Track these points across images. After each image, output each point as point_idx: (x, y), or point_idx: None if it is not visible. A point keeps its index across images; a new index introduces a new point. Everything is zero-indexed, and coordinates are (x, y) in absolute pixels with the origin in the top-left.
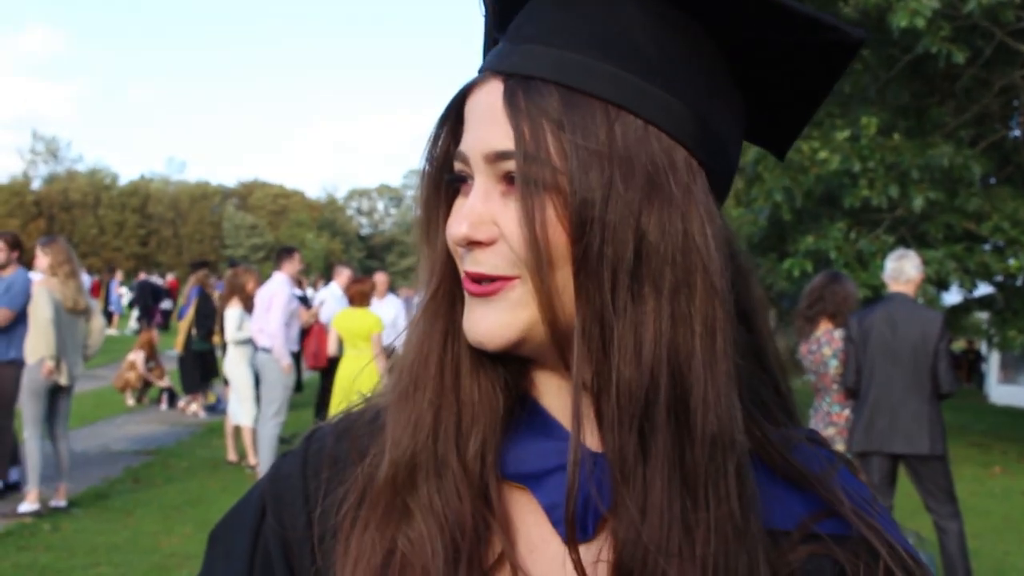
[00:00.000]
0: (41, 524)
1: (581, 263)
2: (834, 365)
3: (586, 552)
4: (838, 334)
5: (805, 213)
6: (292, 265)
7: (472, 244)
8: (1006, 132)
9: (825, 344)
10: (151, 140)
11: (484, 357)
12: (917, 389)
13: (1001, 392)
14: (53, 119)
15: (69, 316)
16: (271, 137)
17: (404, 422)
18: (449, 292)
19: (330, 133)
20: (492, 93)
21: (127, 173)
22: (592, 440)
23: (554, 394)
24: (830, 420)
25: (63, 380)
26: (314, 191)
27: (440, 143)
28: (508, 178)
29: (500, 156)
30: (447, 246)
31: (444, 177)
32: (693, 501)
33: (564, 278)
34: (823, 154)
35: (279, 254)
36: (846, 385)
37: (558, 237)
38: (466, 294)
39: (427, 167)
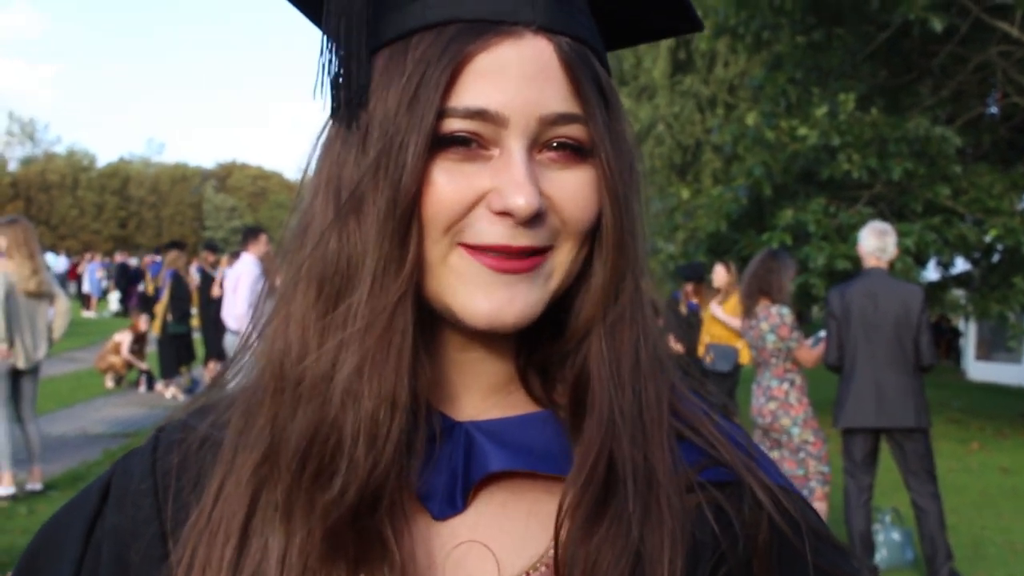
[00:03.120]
0: (17, 507)
1: (617, 239)
2: (772, 340)
3: (460, 523)
4: (775, 309)
5: (784, 189)
6: (259, 246)
7: (536, 217)
8: (983, 109)
9: (763, 319)
10: (130, 122)
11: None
12: (900, 363)
13: (978, 369)
14: (30, 100)
15: (27, 299)
16: (249, 118)
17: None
18: (416, 269)
19: (308, 113)
20: (538, 48)
21: (106, 155)
22: (468, 409)
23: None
24: (771, 395)
25: (21, 363)
26: (293, 172)
27: (435, 96)
28: (550, 144)
29: (560, 119)
30: (432, 218)
31: (432, 138)
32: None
33: (584, 250)
34: (802, 131)
35: (245, 235)
36: (828, 362)
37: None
38: (486, 271)
39: (423, 123)
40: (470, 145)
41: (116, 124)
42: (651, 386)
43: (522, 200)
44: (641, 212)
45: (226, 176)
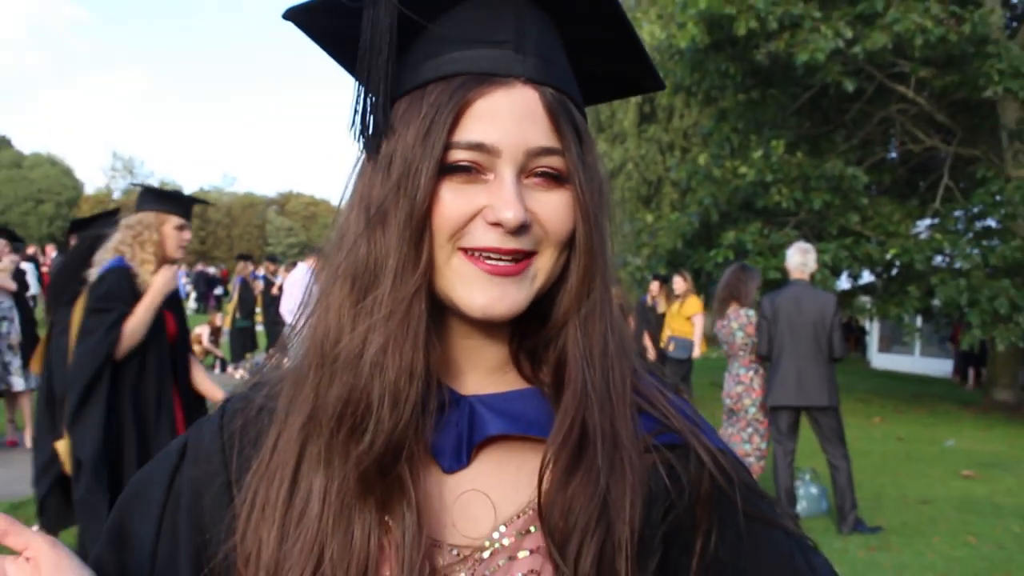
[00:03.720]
0: None
1: (587, 247)
2: (740, 336)
3: (464, 475)
4: (743, 312)
5: (728, 215)
6: (313, 260)
7: (521, 228)
8: (885, 154)
9: (733, 319)
10: (209, 159)
11: (431, 326)
12: (817, 354)
13: (880, 359)
14: (131, 142)
15: None
16: (304, 154)
17: (342, 378)
18: (428, 269)
19: (349, 149)
20: (526, 96)
21: (190, 186)
22: (471, 386)
23: (450, 353)
24: (738, 380)
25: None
26: (338, 200)
27: (443, 132)
28: (535, 172)
29: (543, 152)
30: (440, 227)
31: (441, 165)
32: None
33: (563, 256)
34: (743, 169)
35: (307, 250)
36: (760, 353)
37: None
38: (482, 274)
39: (433, 153)
40: (471, 171)
41: (197, 161)
42: (617, 367)
43: (511, 214)
44: (609, 228)
45: (285, 203)
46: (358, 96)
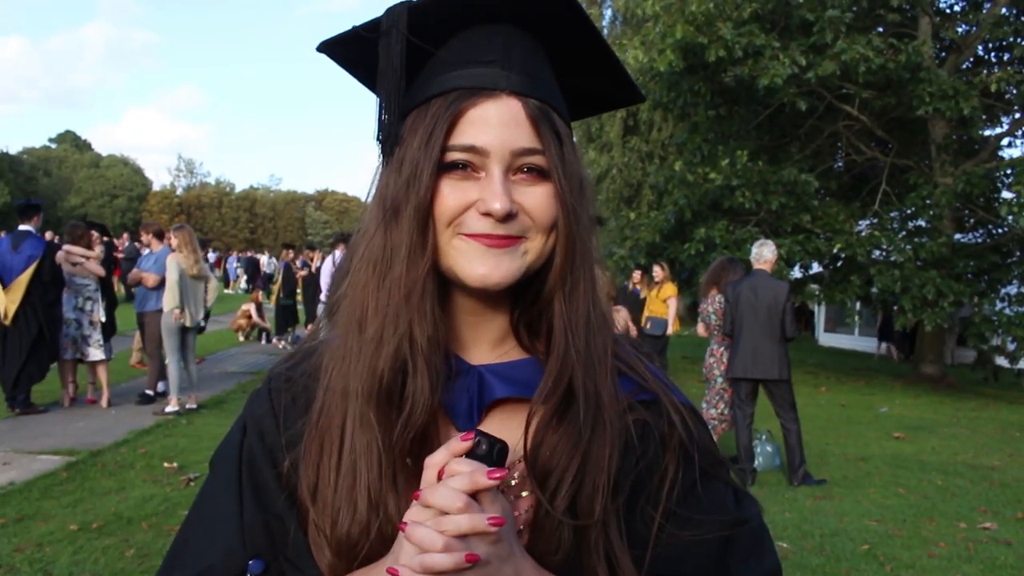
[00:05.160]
0: (180, 420)
1: (568, 232)
2: (713, 318)
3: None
4: (718, 297)
5: (699, 214)
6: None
7: (508, 216)
8: (832, 163)
9: (710, 303)
10: (257, 161)
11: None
12: (771, 334)
13: (826, 338)
14: (192, 147)
15: (192, 280)
16: (340, 157)
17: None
18: (433, 257)
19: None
20: (511, 106)
21: (241, 184)
22: (478, 357)
23: (459, 327)
24: (711, 354)
25: (187, 322)
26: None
27: (441, 137)
28: (521, 169)
29: (526, 152)
30: (440, 216)
31: (440, 165)
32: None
33: (550, 241)
34: (712, 175)
35: (338, 238)
36: (724, 331)
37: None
38: (479, 246)
39: (432, 155)
40: (465, 169)
41: (248, 163)
42: (599, 337)
43: (498, 204)
44: (590, 217)
45: (322, 199)
46: (379, 110)
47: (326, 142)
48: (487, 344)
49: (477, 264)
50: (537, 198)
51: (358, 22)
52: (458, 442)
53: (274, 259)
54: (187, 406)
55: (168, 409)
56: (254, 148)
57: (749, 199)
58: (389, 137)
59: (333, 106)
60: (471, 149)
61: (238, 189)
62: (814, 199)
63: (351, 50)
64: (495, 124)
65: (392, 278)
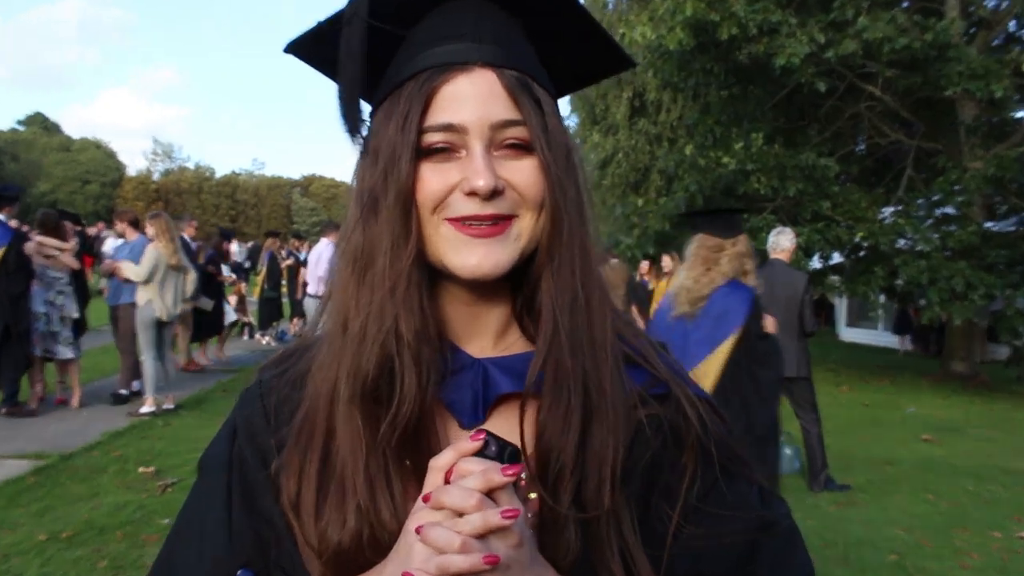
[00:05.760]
0: (156, 421)
1: (553, 204)
2: None
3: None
4: None
5: (711, 200)
6: (334, 234)
7: (494, 193)
8: (854, 146)
9: None
10: (239, 145)
11: (428, 291)
12: (789, 329)
13: (848, 333)
14: (170, 129)
15: (169, 270)
16: (327, 139)
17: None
18: (418, 246)
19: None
20: (486, 77)
21: (222, 169)
22: (480, 350)
23: (456, 319)
24: None
25: (163, 316)
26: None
27: (416, 119)
28: (504, 144)
29: (507, 124)
30: (423, 202)
31: (418, 149)
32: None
33: (543, 217)
34: (725, 159)
35: (325, 226)
36: None
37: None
38: (467, 237)
39: (409, 139)
40: (446, 151)
41: (229, 147)
42: (596, 317)
43: (482, 181)
44: (580, 189)
45: (308, 185)
46: (339, 100)
47: (313, 124)
48: (489, 336)
49: (467, 254)
50: (523, 172)
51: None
52: (466, 443)
53: (245, 246)
54: (164, 406)
55: (143, 410)
56: (235, 131)
57: (765, 185)
58: (354, 124)
59: (319, 86)
60: (448, 128)
61: (219, 175)
62: (834, 185)
63: (320, 48)
64: (471, 98)
65: (374, 272)
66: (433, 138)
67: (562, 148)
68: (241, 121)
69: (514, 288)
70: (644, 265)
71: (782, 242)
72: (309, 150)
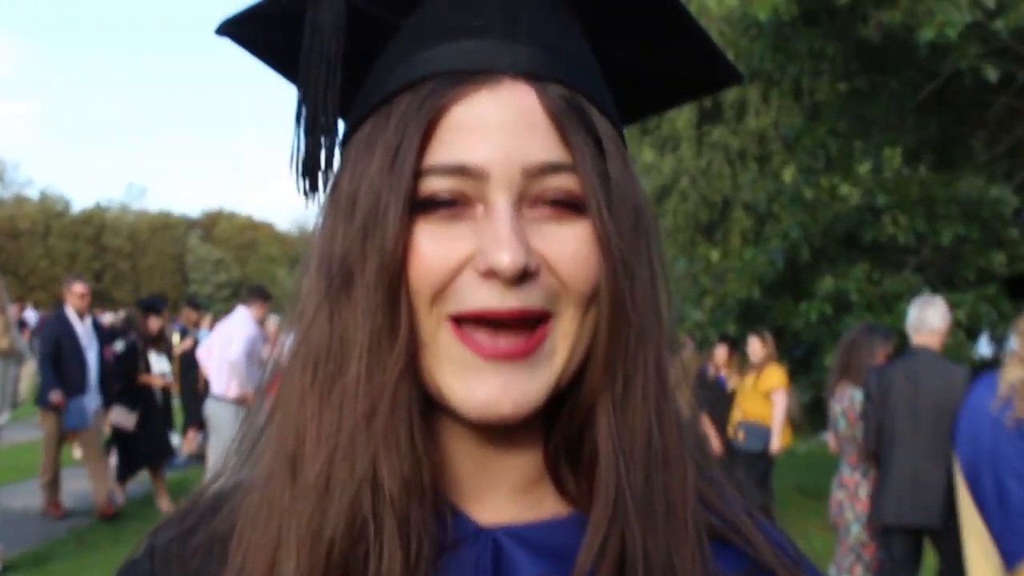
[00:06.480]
0: None
1: (616, 297)
2: (843, 424)
3: None
4: (849, 391)
5: (823, 252)
6: (260, 310)
7: (524, 275)
8: None
9: (837, 402)
10: (109, 164)
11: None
12: (940, 453)
13: None
14: (0, 139)
15: None
16: (239, 163)
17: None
18: (410, 352)
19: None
20: (520, 97)
21: (81, 199)
22: (494, 512)
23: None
24: (841, 482)
25: None
26: (285, 223)
27: (412, 155)
28: (542, 199)
29: (548, 169)
30: (418, 286)
31: (413, 200)
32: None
33: (591, 316)
34: (844, 188)
35: (252, 291)
36: (867, 448)
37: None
38: (475, 357)
39: (401, 184)
40: (453, 205)
41: (94, 166)
42: (674, 471)
43: (506, 256)
44: (655, 274)
45: (212, 226)
46: (298, 117)
47: (224, 137)
48: (506, 490)
49: (474, 384)
50: (568, 245)
51: None
52: None
53: (116, 315)
54: None
55: None
56: (103, 141)
57: (905, 228)
58: (319, 160)
59: (242, 81)
60: (459, 170)
61: (76, 208)
62: (1013, 227)
63: (265, 31)
64: (495, 128)
65: (344, 387)
66: (436, 185)
67: (630, 208)
68: (109, 127)
69: (546, 421)
70: (720, 352)
71: (931, 318)
72: (214, 174)
